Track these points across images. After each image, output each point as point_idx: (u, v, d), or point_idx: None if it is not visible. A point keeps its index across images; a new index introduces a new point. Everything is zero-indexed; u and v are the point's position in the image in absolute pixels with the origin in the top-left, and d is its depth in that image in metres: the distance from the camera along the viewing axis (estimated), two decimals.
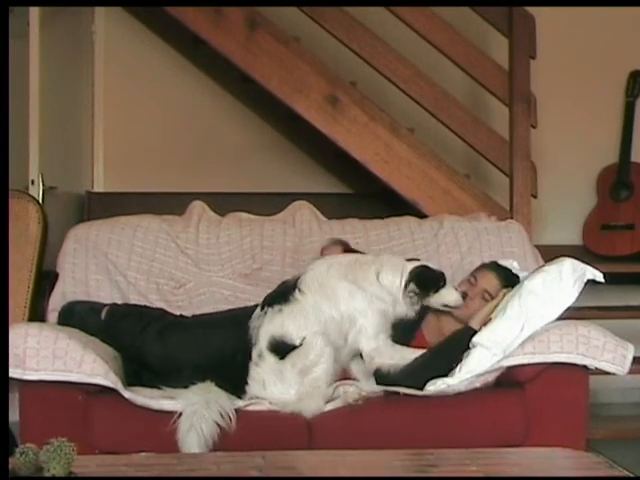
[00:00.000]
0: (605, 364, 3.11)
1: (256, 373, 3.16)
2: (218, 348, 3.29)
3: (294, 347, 3.14)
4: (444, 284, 3.27)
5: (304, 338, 3.13)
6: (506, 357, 3.15)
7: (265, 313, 3.22)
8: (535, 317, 3.24)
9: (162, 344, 3.31)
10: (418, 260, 3.36)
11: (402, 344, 3.26)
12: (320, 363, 3.10)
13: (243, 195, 5.21)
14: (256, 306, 3.34)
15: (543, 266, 3.45)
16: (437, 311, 3.38)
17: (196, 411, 2.91)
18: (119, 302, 3.58)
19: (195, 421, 2.89)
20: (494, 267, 3.49)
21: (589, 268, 3.31)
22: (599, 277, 3.31)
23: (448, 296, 3.28)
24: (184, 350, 3.31)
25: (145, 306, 3.57)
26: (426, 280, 3.24)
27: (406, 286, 3.21)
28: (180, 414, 2.91)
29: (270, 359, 3.15)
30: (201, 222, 3.83)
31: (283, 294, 3.25)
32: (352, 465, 2.51)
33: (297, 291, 3.22)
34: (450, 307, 3.30)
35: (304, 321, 3.16)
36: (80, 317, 3.42)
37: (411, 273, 3.23)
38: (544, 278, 3.31)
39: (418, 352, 3.24)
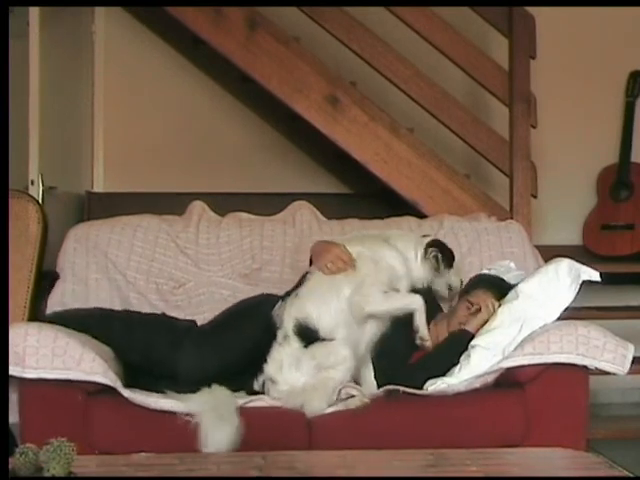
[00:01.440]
0: (605, 364, 3.10)
1: (277, 353, 3.16)
2: (248, 348, 3.27)
3: (317, 332, 3.13)
4: (452, 265, 3.35)
5: (330, 333, 3.12)
6: (506, 358, 3.15)
7: (285, 302, 3.25)
8: (534, 318, 3.24)
9: (200, 359, 3.28)
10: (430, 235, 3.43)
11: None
12: (337, 369, 3.10)
13: (243, 195, 5.21)
14: (269, 295, 3.40)
15: (540, 267, 3.44)
16: (432, 316, 3.39)
17: (215, 407, 2.88)
18: (115, 303, 3.57)
19: (217, 418, 2.85)
20: (488, 286, 3.42)
21: (584, 268, 3.30)
22: (595, 277, 3.29)
23: (454, 278, 3.36)
24: (219, 361, 3.28)
25: (128, 310, 3.51)
26: (447, 251, 3.34)
27: (426, 250, 3.29)
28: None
29: (295, 344, 3.16)
30: (201, 222, 3.83)
31: (297, 284, 3.29)
32: (352, 465, 2.51)
33: (307, 274, 3.28)
34: (451, 291, 3.34)
35: (321, 298, 3.19)
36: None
37: (432, 241, 3.33)
38: (540, 279, 3.31)
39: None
